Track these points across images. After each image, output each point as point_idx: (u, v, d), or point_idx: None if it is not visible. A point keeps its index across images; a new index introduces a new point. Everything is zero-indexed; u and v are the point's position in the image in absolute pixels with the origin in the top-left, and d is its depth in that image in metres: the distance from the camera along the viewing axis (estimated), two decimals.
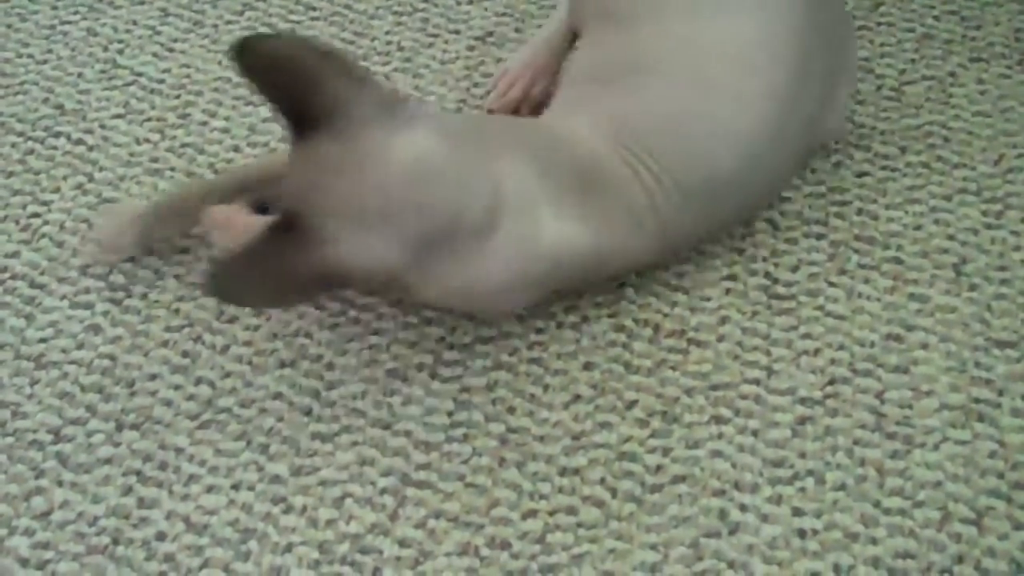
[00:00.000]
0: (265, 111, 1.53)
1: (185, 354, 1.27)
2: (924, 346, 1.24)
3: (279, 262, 1.07)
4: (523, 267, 1.17)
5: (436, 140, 1.10)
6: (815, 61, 1.26)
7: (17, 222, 1.40)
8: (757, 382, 1.22)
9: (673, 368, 1.23)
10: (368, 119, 1.08)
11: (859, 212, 1.37)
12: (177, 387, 1.24)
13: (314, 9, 1.68)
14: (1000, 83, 1.50)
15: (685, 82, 1.23)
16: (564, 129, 1.24)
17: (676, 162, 1.22)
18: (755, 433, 1.18)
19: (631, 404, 1.21)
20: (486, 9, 1.66)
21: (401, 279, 1.11)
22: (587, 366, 1.24)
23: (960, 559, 1.09)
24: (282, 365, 1.25)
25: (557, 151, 1.21)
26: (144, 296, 1.32)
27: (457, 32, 1.63)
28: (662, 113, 1.23)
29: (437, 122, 1.12)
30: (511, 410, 1.21)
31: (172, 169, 1.46)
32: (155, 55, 1.62)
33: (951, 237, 1.34)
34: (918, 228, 1.35)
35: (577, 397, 1.22)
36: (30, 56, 1.62)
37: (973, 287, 1.29)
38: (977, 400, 1.19)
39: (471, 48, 1.59)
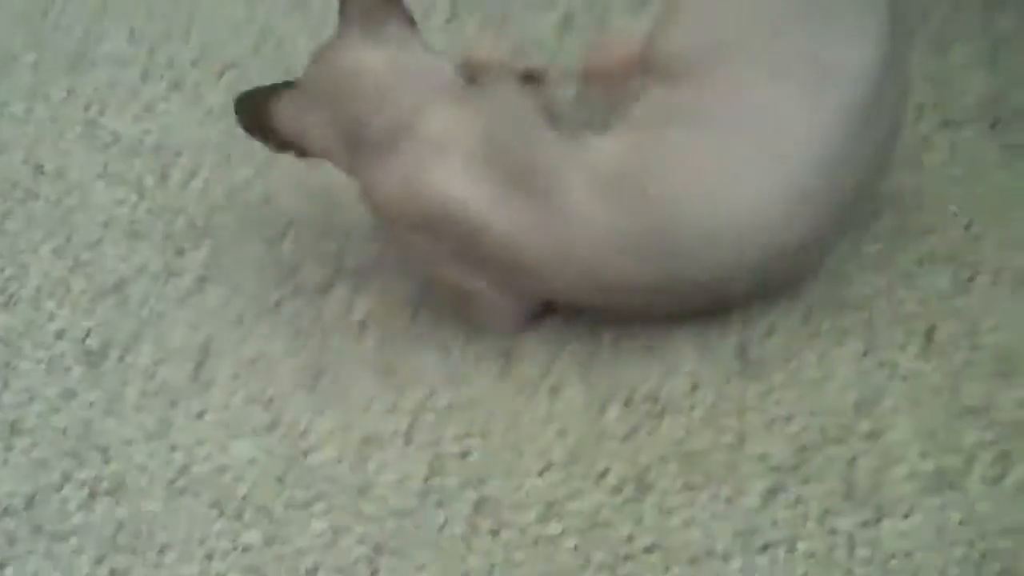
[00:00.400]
0: (245, 171, 1.54)
1: (160, 420, 1.27)
2: (894, 413, 1.25)
3: (261, 113, 1.34)
4: (403, 195, 1.26)
5: (382, 58, 1.29)
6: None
7: None
8: (730, 449, 1.23)
9: (647, 434, 1.24)
10: (351, 22, 1.33)
11: (832, 276, 1.38)
12: (152, 453, 1.25)
13: (294, 70, 1.69)
14: (970, 148, 1.52)
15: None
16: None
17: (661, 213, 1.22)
18: (728, 500, 1.19)
19: (605, 471, 1.22)
20: None
21: (338, 163, 1.33)
22: (561, 432, 1.25)
23: None
24: (258, 431, 1.26)
25: (521, 138, 1.26)
26: (120, 360, 1.33)
27: None
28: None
29: (401, 46, 1.30)
30: (485, 477, 1.22)
31: (150, 231, 1.47)
32: (135, 116, 1.63)
33: (922, 302, 1.35)
34: (890, 293, 1.36)
35: (551, 464, 1.22)
36: (11, 116, 1.63)
37: (943, 353, 1.30)
38: (946, 468, 1.20)
39: None
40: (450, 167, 1.25)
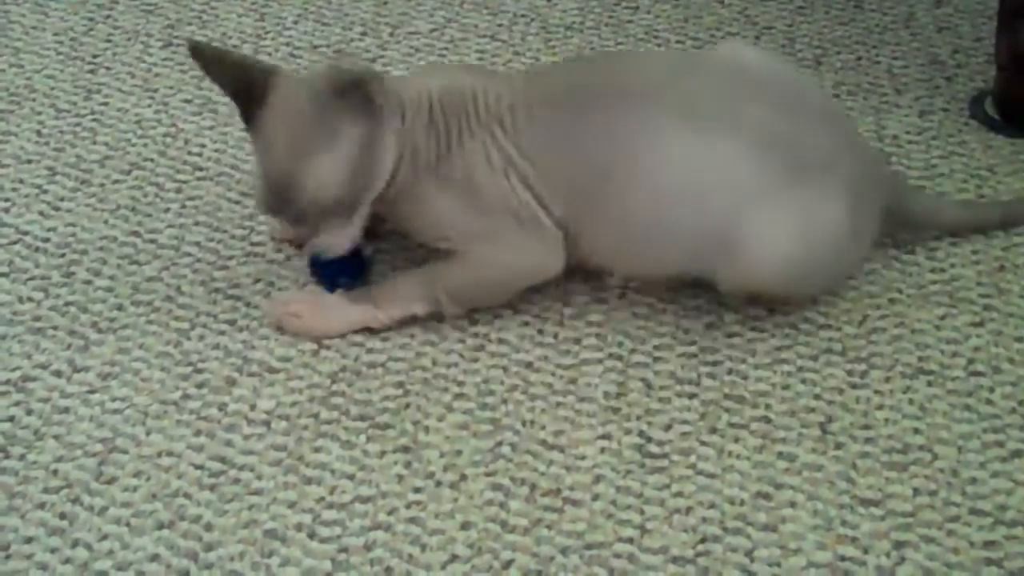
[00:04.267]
0: (150, 269, 1.54)
1: (62, 516, 1.27)
2: (792, 504, 1.27)
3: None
4: (362, 155, 1.40)
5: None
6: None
7: None
8: (630, 541, 1.24)
9: (548, 527, 1.26)
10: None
11: (730, 372, 1.41)
12: (54, 550, 1.24)
13: (201, 169, 1.70)
14: None
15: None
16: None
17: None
18: None
19: (507, 564, 1.22)
20: None
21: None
22: (464, 525, 1.26)
23: None
24: (160, 526, 1.26)
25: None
26: (22, 457, 1.32)
27: None
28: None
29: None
30: (389, 570, 1.22)
31: (55, 328, 1.47)
32: (41, 213, 1.63)
33: (817, 396, 1.38)
34: (786, 387, 1.39)
35: (455, 557, 1.23)
36: None
37: (839, 445, 1.33)
38: (843, 558, 1.23)
39: None
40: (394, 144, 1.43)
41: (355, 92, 1.38)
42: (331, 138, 1.38)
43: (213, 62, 1.42)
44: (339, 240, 1.44)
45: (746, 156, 1.37)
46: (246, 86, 1.41)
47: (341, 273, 1.50)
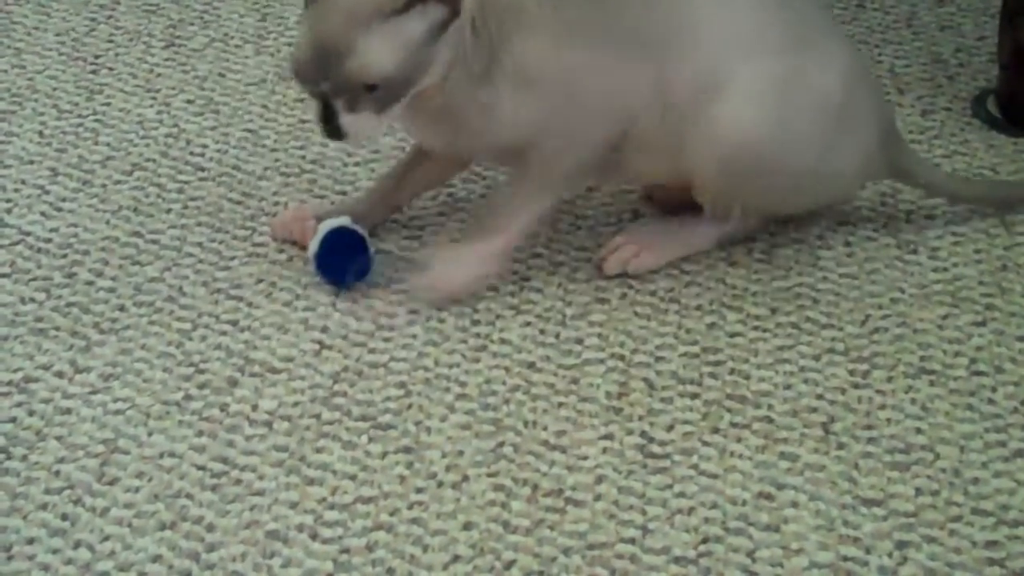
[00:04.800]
0: (152, 269, 1.55)
1: (64, 517, 1.27)
2: (794, 504, 1.27)
3: None
4: (423, 41, 1.39)
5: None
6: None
7: None
8: (632, 541, 1.24)
9: (551, 528, 1.25)
10: None
11: (732, 372, 1.41)
12: (55, 551, 1.24)
13: (203, 170, 1.70)
14: (866, 246, 1.56)
15: None
16: None
17: None
18: None
19: (509, 564, 1.22)
20: (372, 170, 1.70)
21: None
22: (466, 526, 1.26)
23: None
24: (162, 527, 1.26)
25: None
26: (24, 458, 1.32)
27: (343, 192, 1.66)
28: None
29: None
30: (391, 571, 1.22)
31: (57, 329, 1.47)
32: (43, 214, 1.64)
33: (820, 396, 1.38)
34: (788, 387, 1.39)
35: (456, 557, 1.23)
36: None
37: (841, 446, 1.33)
38: (845, 558, 1.22)
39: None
40: None
41: None
42: (398, 13, 1.36)
43: None
44: (368, 126, 1.40)
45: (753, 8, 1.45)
46: None
47: (345, 271, 1.50)
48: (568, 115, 1.45)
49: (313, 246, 1.51)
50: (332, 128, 1.39)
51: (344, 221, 1.52)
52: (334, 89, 1.38)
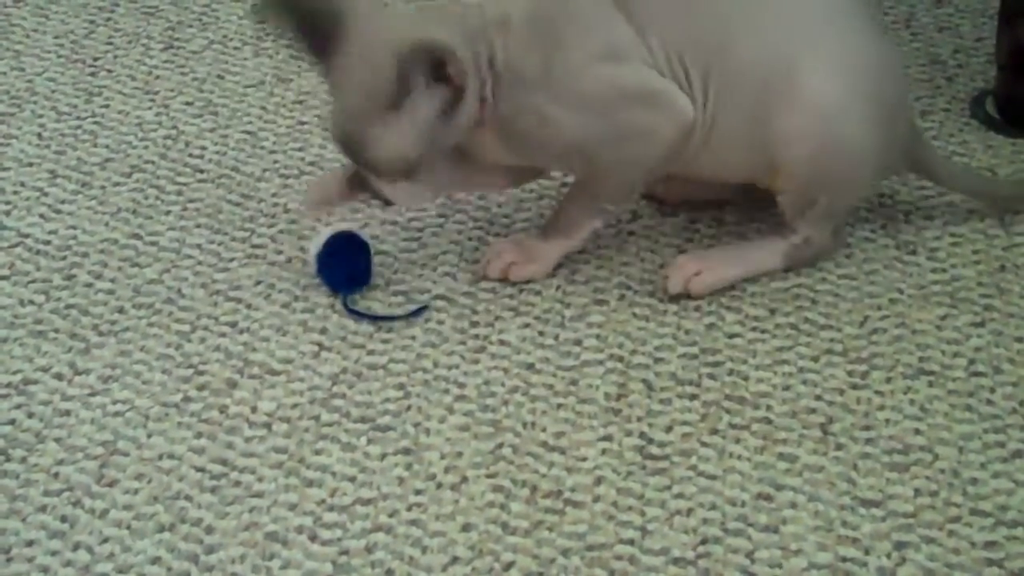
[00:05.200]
0: (151, 271, 1.55)
1: (64, 519, 1.27)
2: (793, 505, 1.27)
3: None
4: (433, 123, 1.42)
5: None
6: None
7: None
8: (631, 542, 1.24)
9: (550, 529, 1.26)
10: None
11: (730, 373, 1.41)
12: (54, 552, 1.24)
13: (201, 172, 1.71)
14: (864, 247, 1.56)
15: None
16: None
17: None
18: None
19: (508, 566, 1.22)
20: None
21: None
22: (465, 527, 1.26)
23: None
24: (161, 529, 1.26)
25: None
26: (23, 460, 1.33)
27: None
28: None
29: None
30: (390, 572, 1.22)
31: (56, 331, 1.47)
32: (42, 216, 1.64)
33: (818, 397, 1.38)
34: (787, 388, 1.39)
35: (455, 559, 1.23)
36: None
37: (839, 446, 1.33)
38: (844, 559, 1.22)
39: (355, 211, 1.62)
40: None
41: (432, 66, 1.38)
42: (403, 105, 1.39)
43: (279, 9, 1.44)
44: (409, 193, 1.46)
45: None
46: (319, 30, 1.42)
47: (345, 275, 1.50)
48: (618, 129, 1.45)
49: (315, 247, 1.51)
50: (378, 197, 1.47)
51: (349, 227, 1.52)
52: (366, 170, 1.45)
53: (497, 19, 1.45)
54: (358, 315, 1.48)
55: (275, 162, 1.72)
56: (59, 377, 1.42)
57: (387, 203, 1.49)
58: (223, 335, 1.47)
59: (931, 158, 1.58)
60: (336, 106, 1.44)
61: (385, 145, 1.41)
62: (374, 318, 1.48)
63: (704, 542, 1.24)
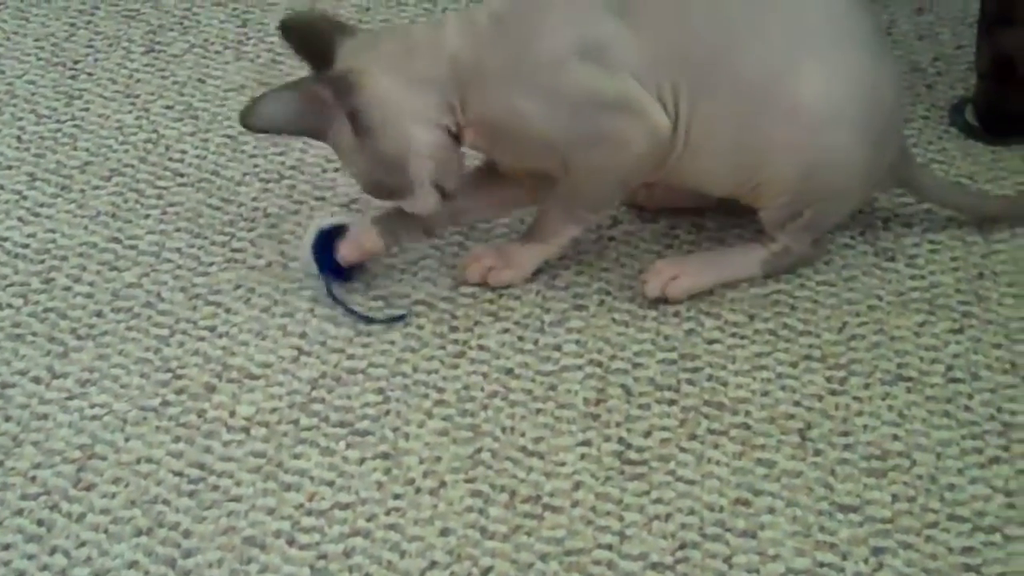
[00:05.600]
0: (130, 275, 1.54)
1: (40, 522, 1.26)
2: (771, 511, 1.27)
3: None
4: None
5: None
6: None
7: None
8: (610, 547, 1.24)
9: (528, 534, 1.25)
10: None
11: (709, 378, 1.41)
12: (31, 556, 1.23)
13: (182, 176, 1.70)
14: (844, 253, 1.57)
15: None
16: None
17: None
18: None
19: (487, 570, 1.22)
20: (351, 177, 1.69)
21: None
22: (444, 532, 1.26)
23: None
24: (139, 533, 1.25)
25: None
26: (0, 463, 1.32)
27: (323, 199, 1.67)
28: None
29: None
30: None
31: (34, 334, 1.47)
32: (20, 219, 1.63)
33: (797, 403, 1.38)
34: (765, 394, 1.39)
35: (434, 563, 1.23)
36: None
37: (817, 452, 1.33)
38: (822, 564, 1.23)
39: (334, 215, 1.62)
40: None
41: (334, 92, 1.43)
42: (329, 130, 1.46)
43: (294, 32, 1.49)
44: (419, 207, 1.49)
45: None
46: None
47: (339, 266, 1.50)
48: (588, 132, 1.45)
49: (310, 236, 1.50)
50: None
51: (342, 220, 1.52)
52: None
53: (460, 23, 1.46)
54: (339, 304, 1.48)
55: (255, 166, 1.72)
56: (37, 381, 1.41)
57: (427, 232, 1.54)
58: (202, 339, 1.46)
59: (918, 174, 1.58)
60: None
61: (352, 173, 1.49)
62: (355, 313, 1.47)
63: (682, 547, 1.24)
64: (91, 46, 1.96)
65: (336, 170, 1.70)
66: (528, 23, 1.45)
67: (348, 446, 1.34)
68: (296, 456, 1.33)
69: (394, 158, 1.45)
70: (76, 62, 1.92)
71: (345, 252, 1.50)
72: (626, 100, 1.44)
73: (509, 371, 1.43)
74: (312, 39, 1.46)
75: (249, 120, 1.44)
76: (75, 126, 1.79)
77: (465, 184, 1.52)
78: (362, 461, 1.32)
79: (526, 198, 1.56)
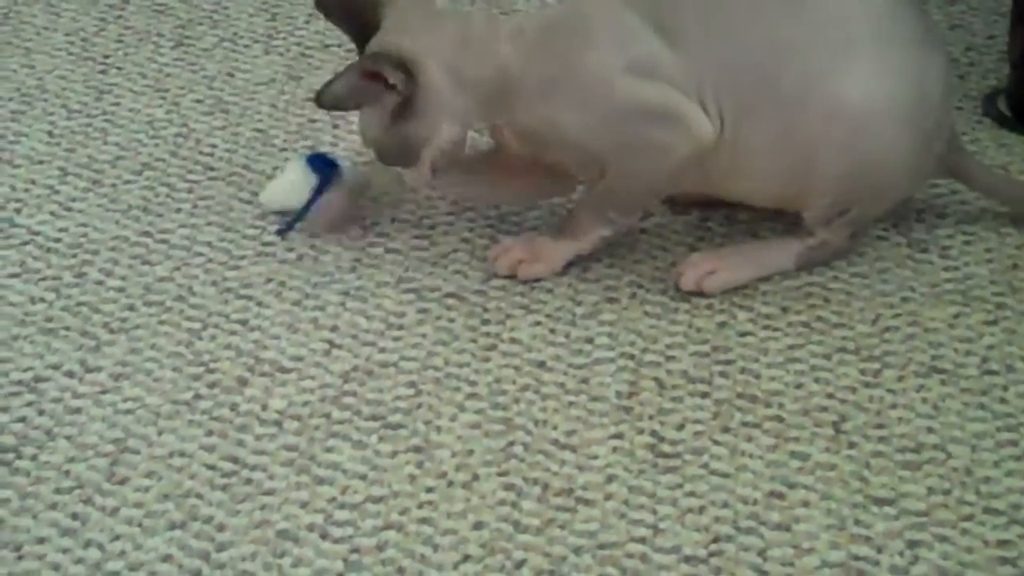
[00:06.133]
0: (162, 269, 1.55)
1: (74, 516, 1.27)
2: (805, 504, 1.27)
3: None
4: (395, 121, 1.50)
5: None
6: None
7: None
8: (643, 541, 1.24)
9: (561, 527, 1.25)
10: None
11: (742, 371, 1.41)
12: (65, 550, 1.24)
13: (212, 169, 1.70)
14: (877, 245, 1.56)
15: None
16: None
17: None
18: None
19: (520, 564, 1.22)
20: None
21: None
22: (477, 525, 1.26)
23: None
24: (172, 527, 1.26)
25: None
26: (34, 458, 1.32)
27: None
28: None
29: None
30: (401, 570, 1.22)
31: (67, 328, 1.47)
32: (52, 214, 1.64)
33: (830, 395, 1.38)
34: (799, 386, 1.39)
35: (467, 557, 1.23)
36: None
37: (852, 445, 1.32)
38: (857, 557, 1.22)
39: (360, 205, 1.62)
40: None
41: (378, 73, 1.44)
42: (370, 102, 1.47)
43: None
44: (407, 177, 1.54)
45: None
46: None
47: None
48: (632, 142, 1.46)
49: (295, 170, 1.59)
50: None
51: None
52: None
53: (510, 31, 1.48)
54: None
55: (286, 159, 1.72)
56: (70, 375, 1.42)
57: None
58: (234, 333, 1.47)
59: (969, 165, 1.57)
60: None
61: (361, 132, 1.51)
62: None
63: (716, 540, 1.24)
64: (121, 40, 1.96)
65: (365, 163, 1.70)
66: (576, 39, 1.46)
67: (380, 439, 1.34)
68: (328, 450, 1.33)
69: (415, 142, 1.48)
70: (106, 56, 1.92)
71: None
72: (670, 109, 1.44)
73: (541, 364, 1.42)
74: (353, 7, 1.49)
75: (321, 101, 1.45)
76: (106, 120, 1.79)
77: (477, 169, 1.57)
78: (394, 454, 1.32)
79: (536, 189, 1.58)
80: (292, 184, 1.59)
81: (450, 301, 1.50)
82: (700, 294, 1.49)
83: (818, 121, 1.43)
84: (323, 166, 1.58)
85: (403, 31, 1.47)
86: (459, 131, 1.49)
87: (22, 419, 1.36)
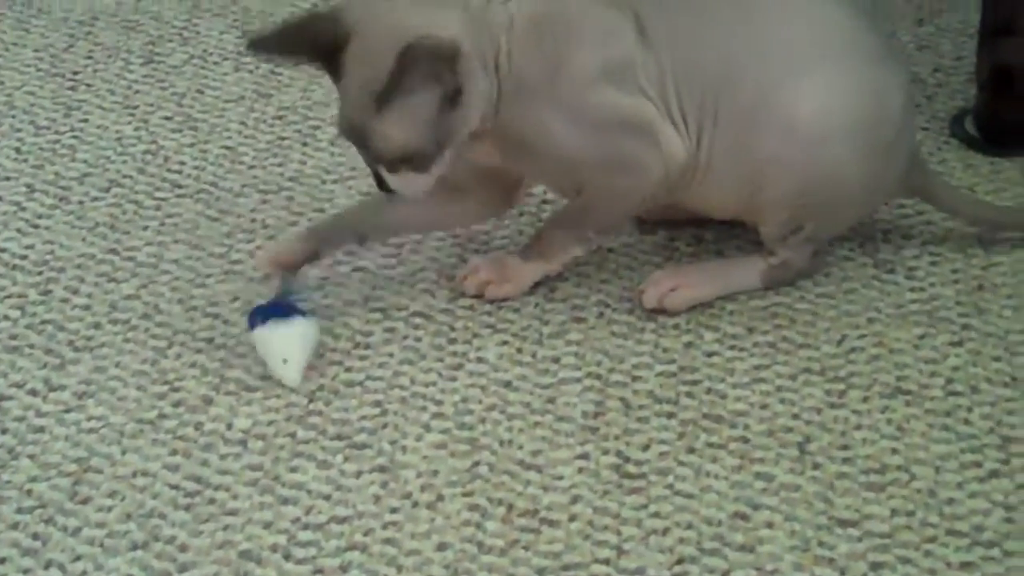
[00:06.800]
0: (128, 287, 1.54)
1: (35, 536, 1.26)
2: (769, 525, 1.27)
3: None
4: (436, 117, 1.41)
5: None
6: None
7: None
8: (607, 562, 1.24)
9: (525, 548, 1.25)
10: None
11: (708, 391, 1.41)
12: (26, 571, 1.23)
13: (180, 187, 1.70)
14: (843, 265, 1.56)
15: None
16: None
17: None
18: None
19: None
20: (350, 187, 1.69)
21: None
22: (440, 546, 1.25)
23: None
24: (135, 547, 1.25)
25: None
26: None
27: (321, 210, 1.66)
28: None
29: None
30: None
31: (31, 346, 1.47)
32: (19, 231, 1.63)
33: (796, 416, 1.38)
34: (764, 407, 1.39)
35: None
36: None
37: (816, 466, 1.32)
38: None
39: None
40: None
41: (433, 61, 1.37)
42: (403, 97, 1.37)
43: (280, 40, 1.42)
44: (413, 184, 1.43)
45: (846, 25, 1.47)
46: (324, 42, 1.40)
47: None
48: (611, 155, 1.45)
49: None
50: (382, 185, 1.45)
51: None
52: (371, 159, 1.43)
53: (502, 19, 1.44)
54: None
55: (254, 177, 1.72)
56: (33, 393, 1.41)
57: (389, 191, 1.45)
58: (200, 351, 1.46)
59: (935, 185, 1.58)
60: (342, 98, 1.42)
61: (387, 136, 1.39)
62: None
63: (680, 561, 1.24)
64: (90, 57, 1.95)
65: (335, 181, 1.70)
66: (562, 36, 1.44)
67: (345, 459, 1.34)
68: (293, 469, 1.33)
69: (453, 135, 1.41)
70: (75, 73, 1.92)
71: (258, 261, 1.50)
72: (644, 124, 1.44)
73: (507, 384, 1.42)
74: (313, 31, 1.41)
75: (382, 103, 1.38)
76: (74, 137, 1.79)
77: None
78: (359, 474, 1.32)
79: (470, 216, 1.56)
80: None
81: (417, 320, 1.50)
82: (664, 312, 1.49)
83: (771, 135, 1.44)
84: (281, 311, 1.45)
85: (424, 16, 1.40)
86: (478, 123, 1.44)
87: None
